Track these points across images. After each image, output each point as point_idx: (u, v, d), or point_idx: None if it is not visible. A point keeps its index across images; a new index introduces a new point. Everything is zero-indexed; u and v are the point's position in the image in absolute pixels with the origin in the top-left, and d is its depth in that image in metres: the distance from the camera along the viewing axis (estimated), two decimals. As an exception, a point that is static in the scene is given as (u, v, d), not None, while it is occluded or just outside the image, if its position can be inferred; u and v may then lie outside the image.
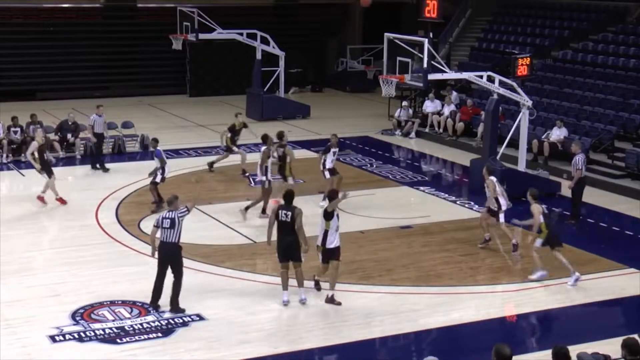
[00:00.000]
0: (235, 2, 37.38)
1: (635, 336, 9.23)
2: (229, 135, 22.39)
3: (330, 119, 30.75)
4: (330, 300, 13.64)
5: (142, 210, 18.90)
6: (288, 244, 13.56)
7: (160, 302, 13.41)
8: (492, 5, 35.78)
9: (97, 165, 22.57)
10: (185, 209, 13.32)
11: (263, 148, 18.64)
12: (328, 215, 13.49)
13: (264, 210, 18.28)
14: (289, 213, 13.53)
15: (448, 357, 11.98)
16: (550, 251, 14.95)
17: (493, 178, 16.64)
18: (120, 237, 17.11)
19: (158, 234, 13.29)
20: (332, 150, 19.51)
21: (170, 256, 13.20)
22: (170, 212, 13.21)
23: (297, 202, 13.46)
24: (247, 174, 21.84)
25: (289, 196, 13.80)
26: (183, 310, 13.23)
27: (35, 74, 33.92)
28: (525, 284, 14.97)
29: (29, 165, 22.35)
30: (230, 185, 21.35)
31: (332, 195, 13.99)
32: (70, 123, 24.36)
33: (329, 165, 19.44)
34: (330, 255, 13.61)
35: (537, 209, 14.89)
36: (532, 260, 15.09)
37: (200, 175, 21.83)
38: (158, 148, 19.15)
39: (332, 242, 13.55)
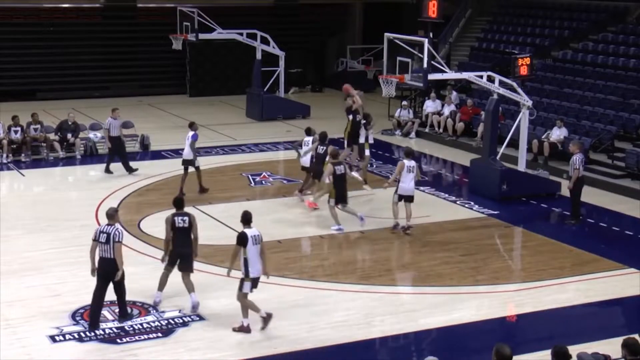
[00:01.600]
0: (235, 2, 37.37)
1: (636, 336, 9.24)
2: None
3: (331, 119, 30.68)
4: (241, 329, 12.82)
5: (142, 210, 18.91)
6: (183, 253, 13.24)
7: (162, 304, 13.43)
8: (492, 5, 35.79)
9: (110, 169, 22.04)
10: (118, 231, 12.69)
11: (312, 140, 19.59)
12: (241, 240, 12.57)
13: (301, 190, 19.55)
14: (186, 219, 13.23)
15: (448, 357, 11.99)
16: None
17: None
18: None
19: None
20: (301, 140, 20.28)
21: (109, 272, 12.73)
22: (109, 227, 12.68)
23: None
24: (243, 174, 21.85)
25: (178, 202, 13.48)
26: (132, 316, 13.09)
27: (36, 74, 33.92)
28: (526, 284, 14.98)
29: (29, 166, 22.43)
30: (229, 185, 21.34)
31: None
32: (70, 123, 24.35)
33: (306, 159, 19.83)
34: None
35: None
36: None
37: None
38: (196, 132, 19.64)
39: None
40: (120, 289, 12.91)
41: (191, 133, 19.64)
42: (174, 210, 13.37)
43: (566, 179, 20.23)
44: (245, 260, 12.50)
